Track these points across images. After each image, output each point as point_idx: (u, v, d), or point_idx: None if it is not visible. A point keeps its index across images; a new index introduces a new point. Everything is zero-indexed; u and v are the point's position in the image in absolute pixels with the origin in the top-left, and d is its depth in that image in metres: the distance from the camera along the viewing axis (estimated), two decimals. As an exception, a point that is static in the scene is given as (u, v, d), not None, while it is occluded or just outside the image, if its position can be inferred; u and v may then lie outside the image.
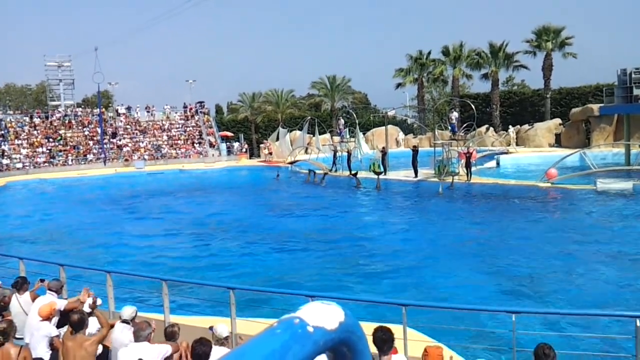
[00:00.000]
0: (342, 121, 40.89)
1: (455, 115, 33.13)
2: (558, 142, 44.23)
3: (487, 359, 6.15)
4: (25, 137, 52.44)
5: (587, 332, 8.31)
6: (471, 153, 29.09)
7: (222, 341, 6.62)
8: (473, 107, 35.46)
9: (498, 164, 35.51)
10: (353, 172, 32.00)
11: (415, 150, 31.19)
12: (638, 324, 6.49)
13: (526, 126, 46.71)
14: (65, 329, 7.96)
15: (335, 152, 37.53)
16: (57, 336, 7.69)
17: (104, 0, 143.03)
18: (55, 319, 8.05)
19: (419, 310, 8.11)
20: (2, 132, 51.91)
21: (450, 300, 10.88)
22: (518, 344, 6.91)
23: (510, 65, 53.91)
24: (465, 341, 8.55)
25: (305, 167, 38.44)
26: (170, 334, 7.11)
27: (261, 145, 55.46)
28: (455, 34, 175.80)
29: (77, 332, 6.84)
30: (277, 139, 48.97)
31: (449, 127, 33.25)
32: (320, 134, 45.02)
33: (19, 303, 8.72)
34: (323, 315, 0.97)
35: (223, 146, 54.98)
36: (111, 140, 53.86)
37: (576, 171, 27.52)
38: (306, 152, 44.66)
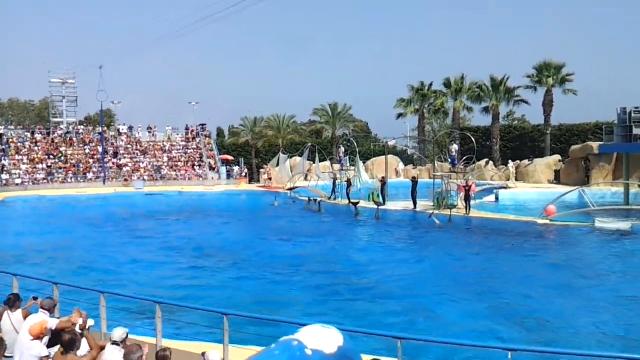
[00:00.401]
0: (342, 149, 41.05)
1: (455, 147, 33.28)
2: (557, 178, 44.35)
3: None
4: (26, 152, 52.55)
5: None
6: (470, 186, 29.14)
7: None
8: (473, 140, 35.64)
9: (497, 198, 35.54)
10: (354, 200, 31.95)
11: (414, 181, 31.25)
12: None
13: (525, 161, 46.90)
14: (55, 348, 7.87)
15: (334, 179, 37.58)
16: (47, 356, 7.59)
17: (110, 19, 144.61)
18: (46, 338, 7.96)
19: (413, 344, 8.02)
20: (3, 147, 52.03)
21: (444, 334, 10.78)
22: (514, 382, 6.82)
23: (511, 100, 54.32)
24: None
25: (304, 194, 38.46)
26: (162, 358, 7.02)
27: (261, 170, 55.58)
28: (457, 66, 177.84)
29: (68, 353, 6.75)
30: (277, 164, 49.09)
31: (449, 159, 33.36)
32: (320, 160, 45.16)
33: (10, 320, 8.62)
34: (322, 338, 0.98)
35: (223, 169, 55.10)
36: (112, 159, 53.93)
37: (575, 209, 27.53)
38: (305, 178, 44.71)
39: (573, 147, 44.20)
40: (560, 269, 17.27)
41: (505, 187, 39.65)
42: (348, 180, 35.57)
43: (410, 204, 31.11)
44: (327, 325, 0.91)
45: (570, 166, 43.67)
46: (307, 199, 35.76)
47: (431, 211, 27.66)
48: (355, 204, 31.13)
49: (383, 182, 33.37)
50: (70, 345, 6.80)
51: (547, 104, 50.75)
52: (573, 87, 50.56)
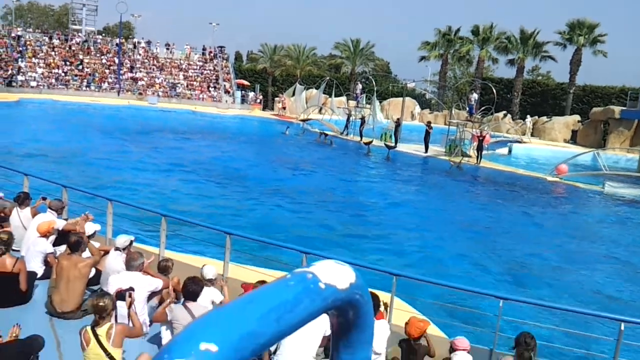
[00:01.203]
0: (360, 86, 40.47)
1: (475, 96, 32.77)
2: (574, 139, 43.78)
3: (467, 338, 6.22)
4: (43, 57, 52.20)
5: (572, 329, 8.38)
6: (484, 137, 28.86)
7: (207, 282, 6.72)
8: (494, 91, 35.00)
9: (510, 151, 35.26)
10: (366, 139, 31.71)
11: (429, 127, 30.86)
12: (622, 327, 6.54)
13: (544, 118, 46.17)
14: (61, 248, 8.10)
15: (349, 116, 37.28)
16: (52, 254, 7.83)
17: None
18: (52, 237, 8.18)
19: (407, 282, 8.17)
20: (20, 49, 51.66)
21: (440, 276, 10.96)
22: (501, 329, 6.98)
23: (538, 55, 52.92)
24: (449, 318, 8.64)
25: (317, 127, 38.27)
26: (164, 268, 7.23)
27: (276, 99, 55.11)
28: (487, 13, 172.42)
29: (74, 253, 6.94)
30: (293, 94, 48.60)
31: (467, 108, 32.92)
32: (336, 95, 44.64)
33: (19, 217, 8.85)
34: (335, 273, 0.98)
35: (238, 94, 54.68)
36: (128, 73, 53.57)
37: (587, 170, 27.33)
38: (320, 112, 44.37)
39: (595, 109, 43.35)
40: (561, 227, 17.33)
41: (519, 142, 39.26)
42: (362, 118, 35.26)
43: (421, 148, 30.97)
44: (341, 261, 0.93)
45: (588, 128, 43.00)
46: (318, 132, 35.56)
47: (456, 161, 27.30)
48: (367, 143, 30.95)
49: (398, 123, 33.08)
50: (76, 247, 6.98)
51: (575, 63, 49.46)
52: (604, 48, 49.13)
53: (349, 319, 1.09)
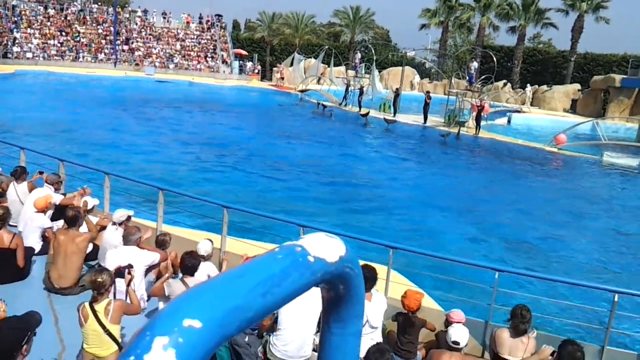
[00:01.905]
0: (359, 55, 40.07)
1: (475, 65, 32.48)
2: (573, 108, 43.58)
3: (463, 310, 6.29)
4: (38, 27, 51.53)
5: (567, 300, 8.47)
6: (483, 106, 28.70)
7: (203, 257, 6.75)
8: (495, 59, 34.68)
9: (509, 121, 35.14)
10: (364, 111, 31.48)
11: (428, 97, 30.60)
12: (615, 299, 6.61)
13: (544, 87, 45.88)
14: (58, 223, 8.11)
15: (347, 86, 36.97)
16: (50, 228, 7.84)
17: None
18: (49, 212, 8.18)
19: (403, 254, 8.22)
20: (15, 19, 50.96)
21: (437, 249, 11.02)
22: (497, 301, 7.04)
23: (540, 22, 52.30)
24: (445, 290, 8.72)
25: (316, 97, 38.01)
26: (161, 242, 7.25)
27: (274, 69, 54.63)
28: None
29: (71, 228, 6.96)
30: (291, 64, 48.16)
31: (467, 77, 32.67)
32: (335, 65, 44.23)
33: (16, 192, 8.83)
34: (325, 247, 0.98)
35: (236, 64, 54.17)
36: (125, 45, 52.96)
37: (586, 140, 27.26)
38: (318, 82, 44.03)
39: (595, 77, 43.05)
40: (556, 198, 17.37)
41: (519, 111, 39.11)
42: (361, 88, 35.00)
43: (420, 118, 30.84)
44: (331, 234, 0.92)
45: (588, 97, 42.76)
46: (316, 103, 35.29)
47: (445, 132, 27.22)
48: (365, 114, 30.72)
49: (397, 93, 32.87)
50: (73, 221, 6.99)
51: (577, 30, 48.91)
52: (606, 15, 48.53)
53: (339, 292, 1.09)
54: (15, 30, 49.57)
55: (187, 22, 57.85)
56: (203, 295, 0.75)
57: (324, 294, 1.11)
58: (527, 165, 22.10)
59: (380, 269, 6.82)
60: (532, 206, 15.92)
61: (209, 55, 55.09)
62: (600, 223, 14.91)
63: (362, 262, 5.89)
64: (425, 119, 30.38)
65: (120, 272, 6.16)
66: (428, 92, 32.64)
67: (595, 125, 27.47)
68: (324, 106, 34.18)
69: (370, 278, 5.77)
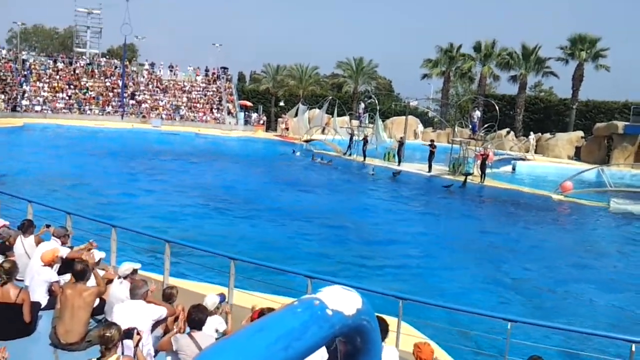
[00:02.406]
0: (362, 105, 40.60)
1: (477, 114, 32.81)
2: (577, 155, 43.70)
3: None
4: (47, 80, 52.65)
5: (582, 350, 8.26)
6: (487, 155, 28.82)
7: (213, 311, 6.66)
8: (497, 108, 35.05)
9: (514, 169, 35.19)
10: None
11: (432, 146, 30.59)
12: (633, 349, 6.44)
13: (547, 135, 46.16)
14: (65, 276, 8.05)
15: (351, 136, 37.32)
16: (57, 282, 7.77)
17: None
18: (56, 266, 8.13)
19: (412, 305, 8.10)
20: (25, 72, 52.13)
21: (447, 299, 10.85)
22: (510, 353, 6.88)
23: (541, 71, 53.03)
24: (457, 342, 8.53)
25: (320, 147, 38.33)
26: (168, 296, 7.16)
27: (279, 120, 55.33)
28: (488, 30, 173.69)
29: (79, 282, 6.90)
30: (296, 115, 48.81)
31: (470, 126, 32.95)
32: (339, 115, 44.78)
33: (23, 245, 8.80)
34: (342, 299, 0.97)
35: (241, 115, 54.94)
36: (131, 100, 53.91)
37: (592, 187, 27.21)
38: (323, 132, 44.50)
39: (598, 124, 43.31)
40: (567, 246, 17.20)
41: (523, 159, 39.19)
42: (365, 138, 35.32)
43: (425, 167, 30.92)
44: (348, 287, 0.92)
45: (592, 144, 42.92)
46: (313, 151, 35.24)
47: (449, 182, 27.25)
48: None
49: (401, 142, 33.10)
50: (81, 275, 6.94)
51: (577, 79, 49.54)
52: (606, 63, 49.23)
53: (356, 345, 1.07)
54: (24, 83, 50.64)
55: (196, 75, 59.07)
56: (227, 350, 0.76)
57: (341, 347, 1.10)
58: (535, 213, 21.99)
59: (390, 321, 6.70)
60: (543, 254, 15.74)
61: (215, 107, 55.96)
62: (614, 270, 14.70)
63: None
64: (430, 168, 30.45)
65: (128, 333, 6.05)
66: (432, 141, 32.80)
67: (601, 172, 27.46)
68: (322, 157, 34.03)
69: (381, 330, 5.65)
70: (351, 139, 37.16)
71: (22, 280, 7.97)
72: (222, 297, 7.27)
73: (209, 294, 7.13)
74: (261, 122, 55.16)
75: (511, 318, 7.04)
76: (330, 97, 47.11)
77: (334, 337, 0.96)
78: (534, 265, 14.35)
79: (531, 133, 45.98)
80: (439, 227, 18.70)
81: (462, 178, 27.61)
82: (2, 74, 50.56)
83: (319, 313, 0.90)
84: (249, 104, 58.09)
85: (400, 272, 13.04)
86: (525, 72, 52.30)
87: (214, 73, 60.15)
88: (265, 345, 0.79)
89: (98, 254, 8.48)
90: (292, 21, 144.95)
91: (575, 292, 12.59)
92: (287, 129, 51.10)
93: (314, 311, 0.90)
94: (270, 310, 6.50)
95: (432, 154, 30.19)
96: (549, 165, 37.54)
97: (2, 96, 47.73)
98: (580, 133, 45.58)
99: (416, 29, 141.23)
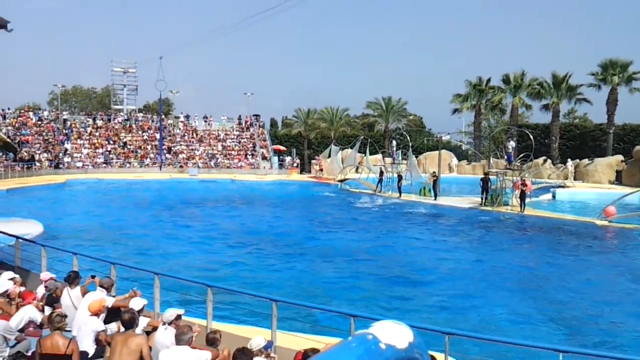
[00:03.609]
0: (394, 143, 40.68)
1: (512, 144, 32.48)
2: (619, 179, 42.59)
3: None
4: (87, 137, 54.55)
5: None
6: (526, 184, 28.32)
7: (256, 353, 6.65)
8: (531, 137, 34.67)
9: (554, 197, 34.48)
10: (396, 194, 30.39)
11: (485, 179, 29.97)
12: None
13: (586, 161, 45.24)
14: (111, 325, 8.17)
15: (381, 172, 37.27)
16: (104, 331, 7.89)
17: (171, 10, 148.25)
18: (102, 315, 8.27)
19: (461, 340, 7.91)
20: (66, 131, 54.18)
21: (495, 332, 10.57)
22: (564, 385, 6.61)
23: (573, 98, 52.40)
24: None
25: (355, 186, 38.34)
26: (212, 340, 7.19)
27: (313, 161, 55.81)
28: (516, 62, 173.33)
29: (127, 330, 7.00)
30: (329, 156, 49.18)
31: (505, 156, 32.58)
32: (371, 154, 44.93)
33: (69, 297, 8.99)
34: (394, 334, 1.00)
35: (275, 159, 55.66)
36: (167, 154, 55.27)
37: (636, 211, 26.40)
38: (357, 171, 44.62)
39: (637, 147, 42.28)
40: (617, 273, 16.60)
41: (563, 186, 38.41)
42: (399, 174, 35.26)
43: (462, 200, 30.55)
44: (398, 321, 0.95)
45: (633, 167, 41.81)
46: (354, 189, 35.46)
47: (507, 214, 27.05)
48: (372, 191, 29.23)
49: (435, 177, 32.91)
50: (130, 324, 7.05)
51: (611, 103, 48.75)
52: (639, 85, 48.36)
53: None
54: (66, 142, 52.55)
55: (239, 122, 60.41)
56: None
57: None
58: (580, 240, 21.38)
59: (438, 357, 6.56)
60: (592, 282, 15.23)
61: (249, 153, 56.87)
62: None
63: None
64: (482, 200, 29.68)
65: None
66: (486, 174, 31.20)
67: (645, 195, 26.68)
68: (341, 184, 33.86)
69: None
70: (381, 175, 37.10)
71: (69, 331, 8.11)
72: (270, 343, 7.25)
73: (256, 336, 7.12)
74: (295, 165, 55.72)
75: (562, 349, 6.79)
76: (362, 137, 47.41)
77: None
78: (584, 295, 13.87)
79: (568, 160, 45.16)
80: (483, 259, 18.31)
81: (501, 209, 27.15)
82: (44, 134, 52.68)
83: (372, 347, 0.93)
84: (282, 148, 58.88)
85: (445, 307, 12.78)
86: (557, 101, 51.76)
87: (247, 121, 61.37)
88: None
89: (141, 302, 8.60)
90: (321, 65, 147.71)
91: (629, 320, 12.09)
92: (321, 169, 51.45)
93: (368, 346, 0.93)
94: (315, 351, 6.46)
95: (485, 182, 29.47)
96: (589, 191, 36.65)
97: (46, 155, 49.60)
98: (620, 157, 44.53)
99: (444, 65, 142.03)
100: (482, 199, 29.79)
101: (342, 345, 0.94)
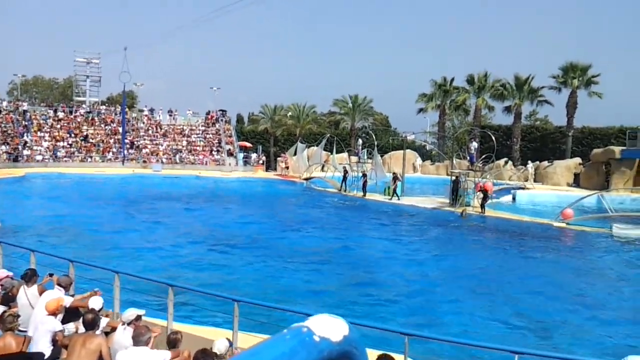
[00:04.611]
0: (360, 141, 40.96)
1: (474, 145, 33.04)
2: (577, 182, 43.83)
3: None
4: (48, 130, 53.21)
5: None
6: (486, 190, 28.65)
7: (217, 355, 6.63)
8: (494, 138, 35.34)
9: (514, 198, 35.24)
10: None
11: (457, 180, 30.41)
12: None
13: (545, 163, 46.40)
14: (69, 325, 8.03)
15: (345, 172, 37.46)
16: (62, 331, 7.75)
17: (137, 1, 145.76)
18: (60, 315, 8.11)
19: (419, 341, 8.05)
20: (26, 123, 52.73)
21: (452, 333, 10.78)
22: (519, 386, 6.80)
23: (535, 100, 53.60)
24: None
25: (320, 184, 38.45)
26: (173, 341, 7.14)
27: (278, 159, 55.71)
28: (480, 62, 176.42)
29: (88, 331, 6.91)
30: (295, 153, 49.18)
31: (468, 157, 33.14)
32: (337, 152, 45.12)
33: (26, 295, 8.80)
34: (329, 327, 1.05)
35: (240, 156, 55.33)
36: (130, 149, 54.37)
37: (593, 213, 27.23)
38: (322, 169, 44.74)
39: (595, 150, 43.61)
40: (571, 274, 17.10)
41: (523, 188, 39.29)
42: (364, 173, 35.51)
43: (424, 200, 30.94)
44: (335, 315, 1.00)
45: (590, 170, 43.10)
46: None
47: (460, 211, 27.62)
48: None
49: (395, 177, 33.16)
50: (92, 325, 6.96)
51: (571, 106, 50.05)
52: (599, 90, 49.80)
53: None
54: (25, 134, 51.15)
55: (210, 117, 59.67)
56: None
57: None
58: (537, 242, 21.93)
59: (397, 358, 6.67)
60: (548, 283, 15.64)
61: (215, 149, 56.38)
62: (623, 298, 14.58)
63: (380, 352, 5.79)
64: (452, 200, 30.17)
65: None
66: (457, 176, 31.24)
67: (601, 198, 27.51)
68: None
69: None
70: (344, 175, 37.28)
71: (25, 331, 7.94)
72: (230, 343, 7.25)
73: (219, 338, 7.10)
74: (260, 162, 55.51)
75: (518, 350, 6.99)
76: (328, 135, 47.53)
77: None
78: (540, 295, 14.24)
79: (529, 162, 46.23)
80: (442, 260, 18.63)
81: (459, 209, 27.66)
82: (3, 125, 51.14)
83: (306, 340, 0.98)
84: (248, 144, 58.59)
85: (404, 307, 12.95)
86: (519, 102, 52.89)
87: (212, 116, 60.79)
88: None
89: (100, 301, 8.47)
90: (288, 61, 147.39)
91: (582, 322, 12.48)
92: (286, 167, 51.39)
93: (302, 338, 0.98)
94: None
95: (456, 183, 30.22)
96: (549, 193, 37.60)
97: (4, 147, 48.18)
98: (578, 160, 45.84)
99: (409, 64, 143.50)
100: (451, 199, 30.24)
101: (276, 337, 0.99)
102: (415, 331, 7.94)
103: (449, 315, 12.46)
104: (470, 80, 56.42)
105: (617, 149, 40.18)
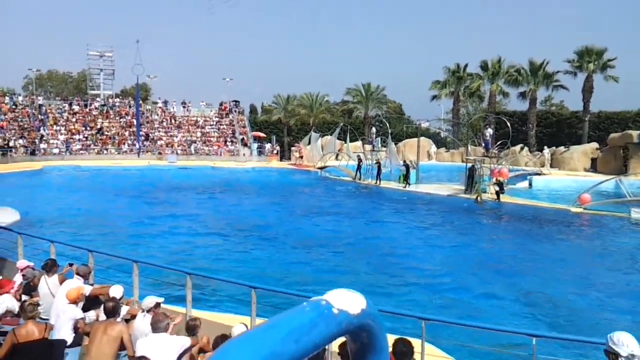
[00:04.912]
0: (374, 130, 40.88)
1: (489, 131, 32.78)
2: (594, 167, 43.35)
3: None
4: (64, 123, 53.74)
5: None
6: (500, 180, 28.47)
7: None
8: (509, 124, 35.04)
9: (530, 184, 34.98)
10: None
11: (473, 167, 30.31)
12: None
13: (562, 148, 45.92)
14: (89, 313, 8.16)
15: (359, 159, 37.40)
16: (82, 319, 7.88)
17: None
18: (81, 304, 8.25)
19: (437, 325, 8.05)
20: (42, 117, 53.29)
21: (470, 318, 10.77)
22: (537, 369, 6.79)
23: (550, 85, 52.90)
24: (483, 361, 8.46)
25: (335, 173, 38.45)
26: (192, 328, 7.22)
27: (292, 148, 55.76)
28: (494, 48, 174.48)
29: (109, 318, 7.02)
30: (309, 143, 49.18)
31: (483, 144, 32.91)
32: (351, 141, 45.05)
33: (47, 285, 8.96)
34: (347, 300, 1.09)
35: (254, 146, 55.48)
36: (145, 141, 54.72)
37: (610, 198, 26.94)
38: (337, 158, 44.74)
39: (612, 135, 43.04)
40: (591, 258, 16.99)
41: (539, 174, 38.96)
42: (378, 162, 35.45)
43: (440, 187, 30.80)
44: (353, 290, 1.05)
45: (608, 155, 42.58)
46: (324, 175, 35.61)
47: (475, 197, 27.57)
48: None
49: (407, 166, 33.08)
50: (112, 313, 7.06)
51: (587, 91, 49.37)
52: (615, 73, 49.02)
53: (364, 341, 1.19)
54: (42, 128, 51.71)
55: (224, 109, 59.83)
56: (246, 342, 0.88)
57: (351, 345, 1.22)
58: (555, 227, 21.78)
59: (414, 343, 6.68)
60: (566, 268, 15.55)
61: (229, 140, 56.58)
62: (637, 281, 14.46)
63: (397, 337, 5.81)
64: (468, 188, 30.08)
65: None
66: (473, 165, 31.11)
67: (619, 183, 27.22)
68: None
69: (406, 353, 5.63)
70: (359, 164, 37.22)
71: (47, 319, 8.09)
72: (247, 329, 7.31)
73: (237, 324, 7.18)
74: (275, 152, 55.63)
75: (535, 333, 6.98)
76: (342, 124, 47.43)
77: (341, 334, 1.08)
78: (559, 280, 14.17)
79: (545, 147, 45.79)
80: (460, 246, 18.58)
81: (476, 195, 27.53)
82: (19, 119, 51.74)
83: (325, 312, 1.02)
84: (262, 135, 58.69)
85: (422, 293, 12.96)
86: (534, 88, 52.25)
87: (225, 107, 60.95)
88: (278, 339, 0.91)
89: (121, 289, 8.59)
90: (300, 51, 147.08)
91: (602, 305, 12.40)
92: (301, 157, 51.45)
93: (321, 310, 1.02)
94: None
95: (472, 171, 30.00)
96: (565, 178, 37.26)
97: (21, 141, 48.77)
98: (595, 144, 45.28)
99: (422, 52, 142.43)
100: (466, 186, 30.12)
101: (295, 309, 1.04)
102: (432, 315, 7.95)
103: (465, 301, 12.45)
104: (484, 67, 55.86)
105: (634, 133, 39.64)
